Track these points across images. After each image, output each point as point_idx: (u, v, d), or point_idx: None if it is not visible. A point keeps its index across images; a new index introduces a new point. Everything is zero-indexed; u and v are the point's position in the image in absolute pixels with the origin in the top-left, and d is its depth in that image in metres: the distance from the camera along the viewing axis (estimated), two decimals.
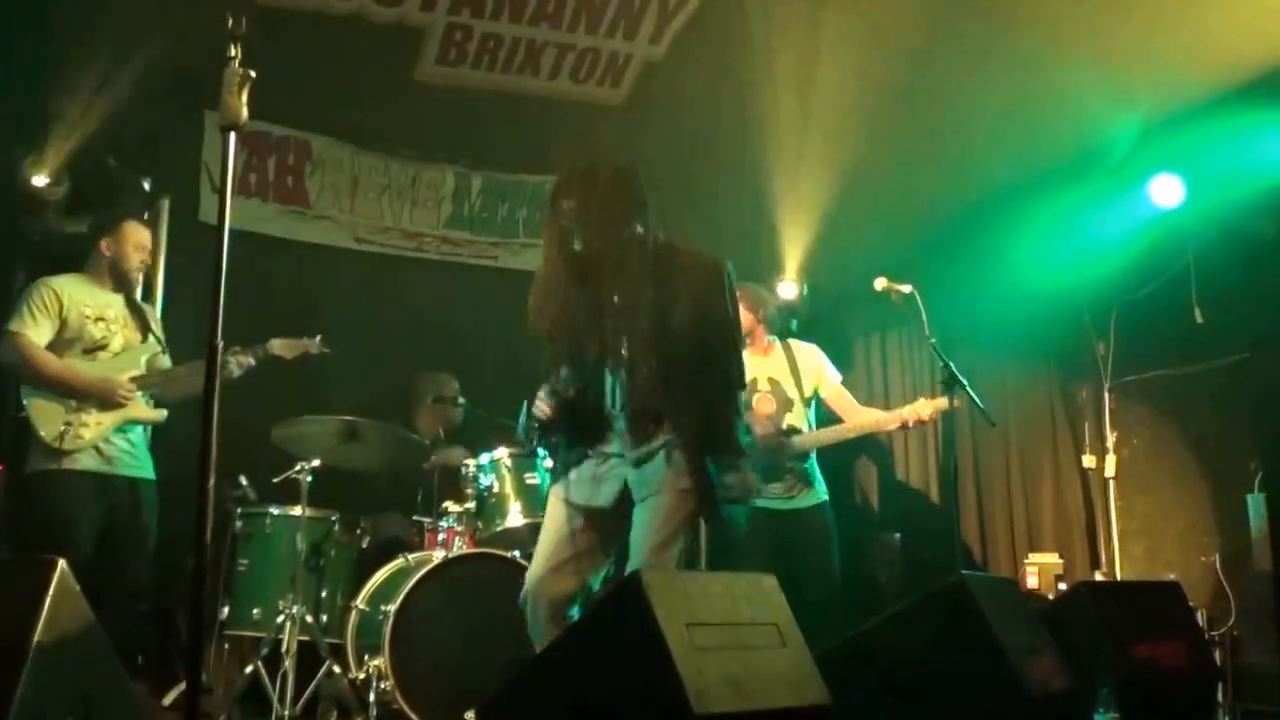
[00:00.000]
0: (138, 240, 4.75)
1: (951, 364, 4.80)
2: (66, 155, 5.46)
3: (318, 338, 4.79)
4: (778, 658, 3.23)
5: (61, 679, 2.38)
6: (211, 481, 2.52)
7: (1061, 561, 6.33)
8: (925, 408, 4.99)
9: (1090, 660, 3.84)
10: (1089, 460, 6.58)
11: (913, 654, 3.54)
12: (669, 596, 3.07)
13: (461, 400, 5.70)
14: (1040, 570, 6.21)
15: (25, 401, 4.42)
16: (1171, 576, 5.54)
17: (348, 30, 5.95)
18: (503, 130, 6.72)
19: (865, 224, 6.46)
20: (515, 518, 4.97)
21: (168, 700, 4.54)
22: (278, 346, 4.70)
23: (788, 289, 6.87)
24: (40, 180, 5.43)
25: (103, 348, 4.56)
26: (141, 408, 4.60)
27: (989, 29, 5.31)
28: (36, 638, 2.27)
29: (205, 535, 2.47)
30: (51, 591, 2.36)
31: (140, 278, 4.87)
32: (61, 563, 2.44)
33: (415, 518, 5.27)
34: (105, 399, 4.45)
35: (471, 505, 5.00)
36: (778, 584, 3.51)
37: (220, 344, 2.58)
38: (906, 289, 4.86)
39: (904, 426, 5.10)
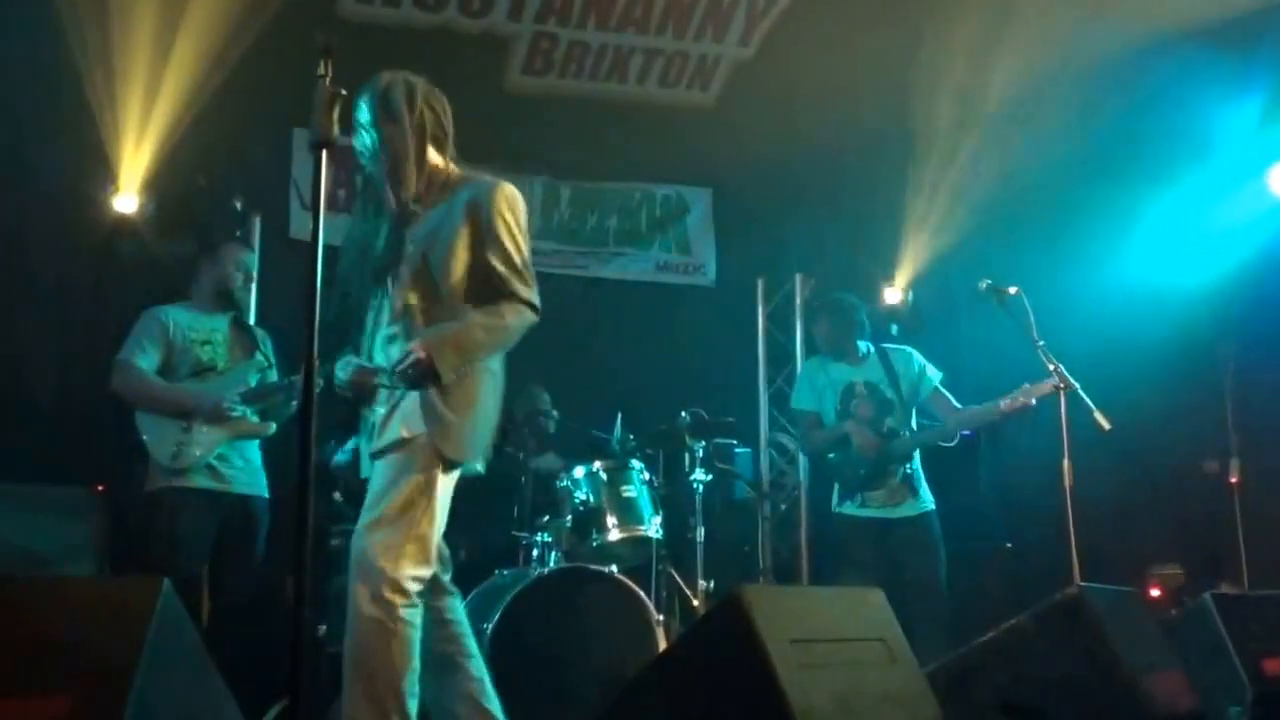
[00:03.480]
0: (239, 260, 4.86)
1: (1061, 366, 4.64)
2: (146, 177, 5.56)
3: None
4: (886, 675, 3.17)
5: (167, 700, 2.37)
6: (311, 498, 2.48)
7: (1184, 572, 6.10)
8: (1029, 394, 4.81)
9: (1218, 677, 3.70)
10: (1212, 465, 6.34)
11: (1028, 671, 3.46)
12: (772, 612, 3.01)
13: (554, 413, 5.65)
14: (1162, 582, 6.00)
15: (139, 425, 4.54)
16: None
17: (434, 42, 6.00)
18: (591, 138, 6.71)
19: (969, 224, 6.33)
20: (612, 531, 4.87)
21: (268, 719, 4.53)
22: None
23: (892, 294, 6.73)
24: (127, 203, 5.54)
25: (211, 369, 4.67)
26: (249, 422, 4.67)
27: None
28: (142, 658, 2.25)
29: (305, 552, 2.43)
30: (156, 611, 2.34)
31: (249, 297, 5.00)
32: (166, 581, 2.43)
33: (511, 533, 5.21)
34: (210, 414, 4.54)
35: (567, 520, 4.93)
36: (885, 598, 3.42)
37: (316, 360, 2.53)
38: (1012, 290, 4.70)
39: (1007, 415, 4.91)
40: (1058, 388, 4.64)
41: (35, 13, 5.13)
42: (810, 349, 6.72)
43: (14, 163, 5.57)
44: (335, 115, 2.56)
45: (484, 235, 3.27)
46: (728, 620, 2.99)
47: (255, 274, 5.98)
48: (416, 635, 3.10)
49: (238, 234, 5.74)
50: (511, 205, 3.35)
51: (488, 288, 3.27)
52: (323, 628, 4.82)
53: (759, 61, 6.35)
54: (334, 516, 5.06)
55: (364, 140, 3.37)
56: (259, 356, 4.82)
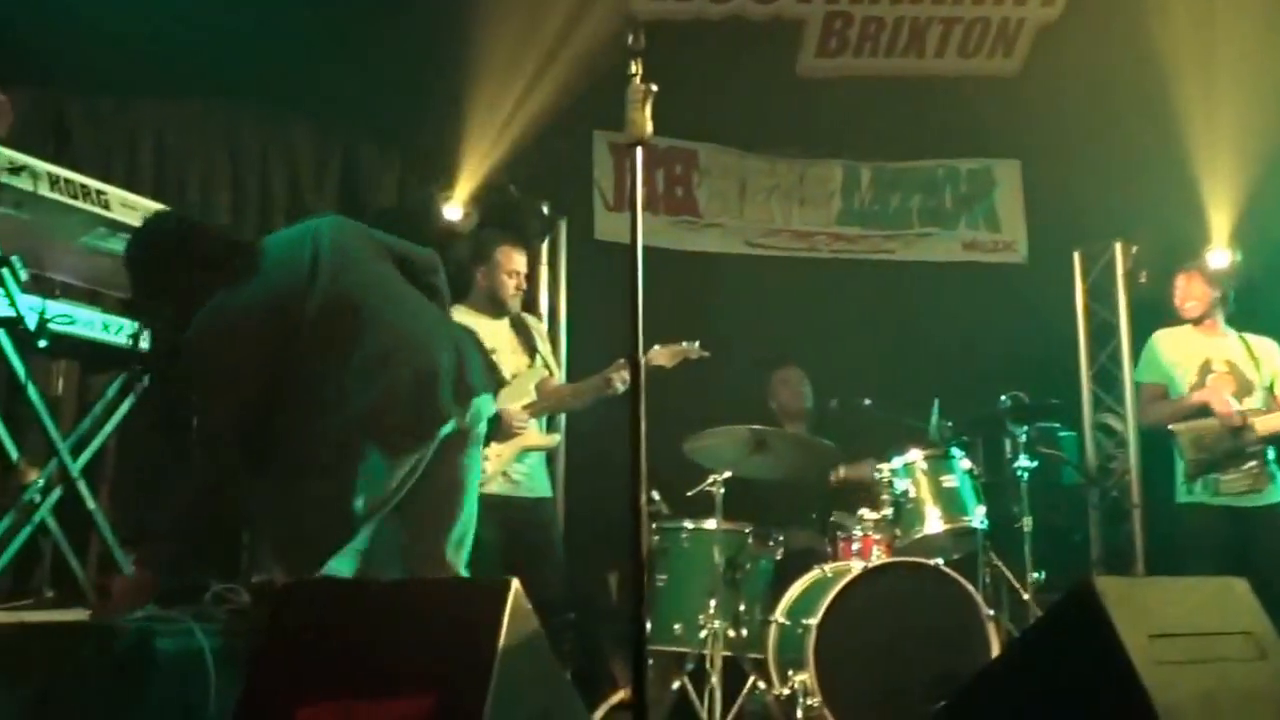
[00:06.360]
0: (510, 266, 4.83)
1: None
2: (476, 187, 5.78)
3: (696, 343, 4.71)
4: (1256, 671, 2.96)
5: (522, 698, 2.42)
6: (644, 498, 2.50)
7: None
8: None
9: None
10: None
11: None
12: (1128, 605, 2.85)
13: (870, 402, 5.49)
14: None
15: None
16: None
17: (726, 32, 5.99)
18: (889, 117, 6.57)
19: None
20: (934, 523, 4.74)
21: (597, 716, 4.60)
22: (657, 356, 4.64)
23: (1218, 257, 6.22)
24: (453, 212, 5.79)
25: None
26: (536, 436, 4.73)
27: None
28: (498, 659, 2.31)
29: (641, 552, 2.46)
30: (508, 611, 2.40)
31: (518, 302, 4.91)
32: (515, 582, 2.49)
33: (831, 523, 5.13)
34: (502, 432, 4.53)
35: (888, 512, 4.81)
36: (1249, 588, 3.17)
37: (642, 360, 2.55)
38: None
39: None
40: None
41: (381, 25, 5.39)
42: (1139, 322, 6.32)
43: (352, 167, 5.97)
44: (648, 113, 2.59)
45: None
46: (1079, 614, 2.83)
47: (564, 276, 6.17)
48: None
49: (545, 239, 5.91)
50: None
51: None
52: (647, 626, 4.87)
53: (1065, 21, 6.01)
54: (654, 515, 5.11)
55: None
56: (539, 361, 4.84)
